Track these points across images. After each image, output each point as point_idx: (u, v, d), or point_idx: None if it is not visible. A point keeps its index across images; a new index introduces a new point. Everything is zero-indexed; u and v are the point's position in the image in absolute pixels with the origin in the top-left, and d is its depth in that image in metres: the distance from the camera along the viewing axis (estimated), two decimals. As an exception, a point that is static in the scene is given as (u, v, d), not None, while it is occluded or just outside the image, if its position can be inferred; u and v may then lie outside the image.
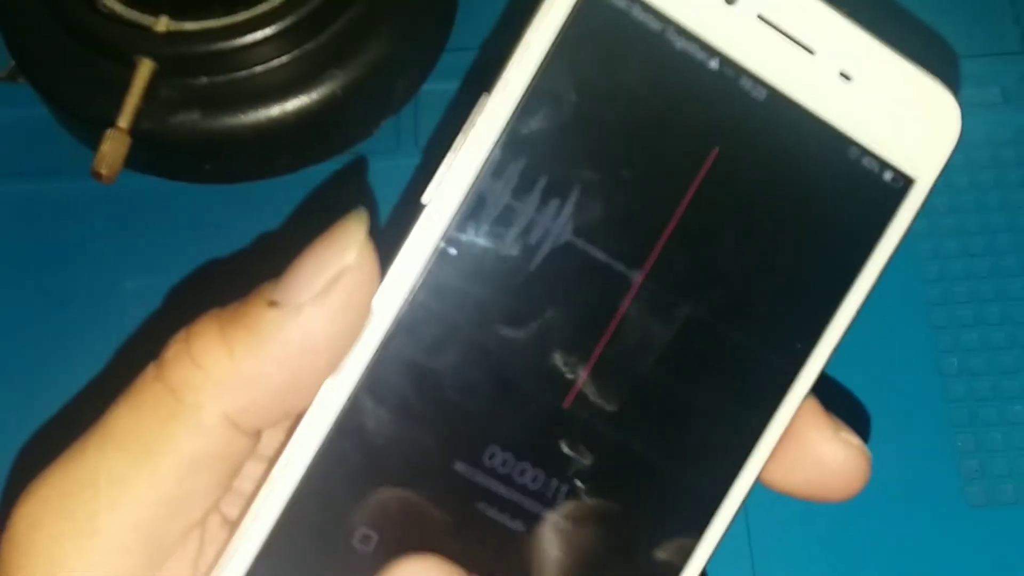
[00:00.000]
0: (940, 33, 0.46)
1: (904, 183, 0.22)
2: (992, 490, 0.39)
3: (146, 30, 0.41)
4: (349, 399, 0.20)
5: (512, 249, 0.20)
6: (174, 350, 0.20)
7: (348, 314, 0.20)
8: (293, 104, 0.41)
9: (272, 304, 0.20)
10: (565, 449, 0.21)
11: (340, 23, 0.42)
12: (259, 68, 0.41)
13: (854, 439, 0.23)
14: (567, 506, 0.21)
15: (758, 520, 0.38)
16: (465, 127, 0.20)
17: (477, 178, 0.20)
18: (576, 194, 0.20)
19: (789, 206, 0.21)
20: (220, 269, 0.43)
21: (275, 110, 0.41)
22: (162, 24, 0.41)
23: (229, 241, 0.43)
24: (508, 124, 0.20)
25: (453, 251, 0.20)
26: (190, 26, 0.41)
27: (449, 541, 0.20)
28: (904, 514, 0.38)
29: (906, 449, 0.39)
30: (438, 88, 0.45)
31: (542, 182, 0.20)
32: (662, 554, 0.22)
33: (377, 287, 0.20)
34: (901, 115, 0.21)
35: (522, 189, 0.20)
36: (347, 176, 0.44)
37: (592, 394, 0.21)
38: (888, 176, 0.22)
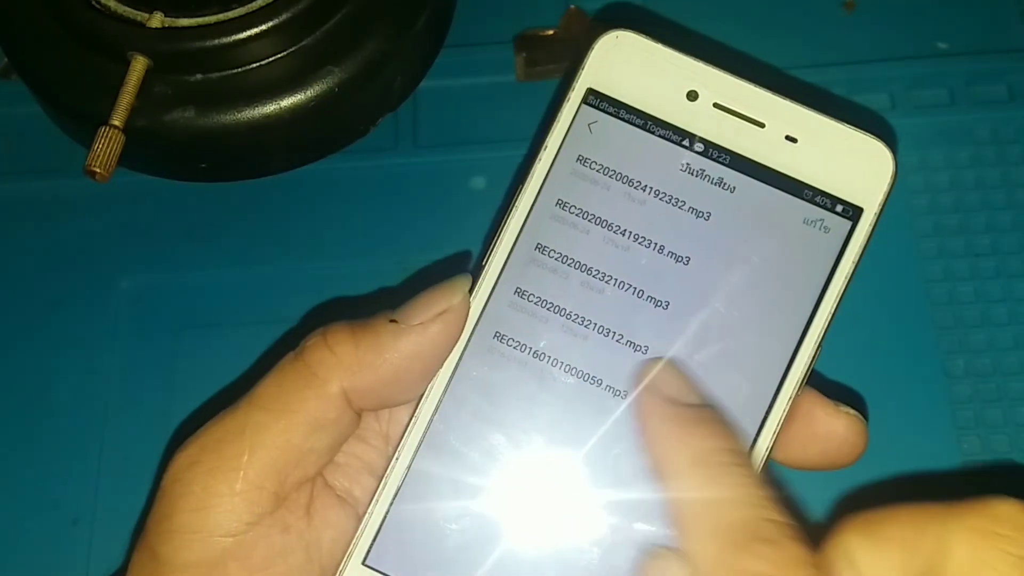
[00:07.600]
0: (946, 30, 0.46)
1: (854, 211, 0.28)
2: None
3: (140, 26, 0.40)
4: (439, 400, 0.28)
5: (564, 282, 0.28)
6: (313, 341, 0.27)
7: (445, 338, 0.27)
8: (289, 101, 0.41)
9: (392, 321, 0.27)
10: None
11: (337, 19, 0.41)
12: (255, 65, 0.40)
13: (852, 410, 0.29)
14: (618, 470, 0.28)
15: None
16: (508, 209, 0.28)
17: (514, 246, 0.28)
18: (599, 243, 0.28)
19: (764, 238, 0.28)
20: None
21: (271, 107, 0.41)
22: (156, 20, 0.40)
23: (226, 240, 0.43)
24: (535, 201, 0.28)
25: (506, 303, 0.28)
26: (184, 22, 0.40)
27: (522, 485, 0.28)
28: (909, 517, 0.38)
29: (910, 451, 0.39)
30: (436, 85, 0.45)
31: (569, 240, 0.28)
32: None
33: (465, 324, 0.28)
34: (840, 162, 0.28)
35: (554, 247, 0.28)
36: (345, 174, 0.44)
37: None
38: (840, 208, 0.28)
